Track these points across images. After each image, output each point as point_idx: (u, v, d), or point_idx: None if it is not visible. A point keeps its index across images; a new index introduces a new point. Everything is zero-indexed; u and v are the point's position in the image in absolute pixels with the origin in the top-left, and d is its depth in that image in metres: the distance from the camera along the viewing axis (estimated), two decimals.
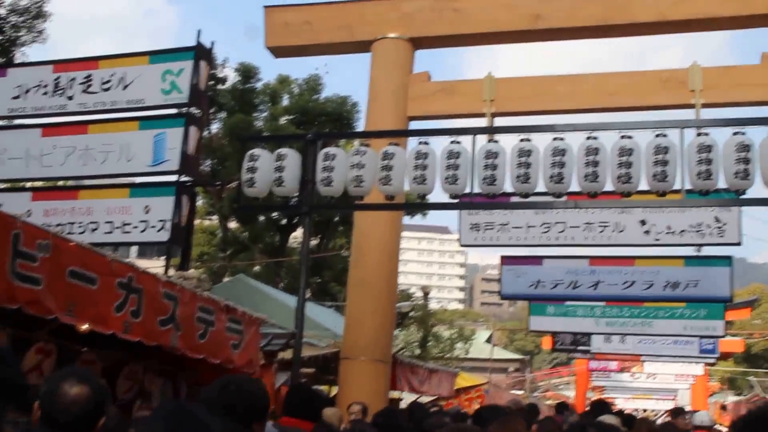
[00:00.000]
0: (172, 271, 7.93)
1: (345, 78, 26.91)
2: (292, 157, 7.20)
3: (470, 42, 10.24)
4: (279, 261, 26.38)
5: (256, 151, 7.20)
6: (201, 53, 8.78)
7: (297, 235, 34.15)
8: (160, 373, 7.03)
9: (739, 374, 56.93)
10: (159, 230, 8.18)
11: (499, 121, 9.19)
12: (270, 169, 7.11)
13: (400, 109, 9.77)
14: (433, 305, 50.21)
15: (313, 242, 33.34)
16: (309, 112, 26.57)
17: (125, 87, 8.80)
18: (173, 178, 8.46)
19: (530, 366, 61.96)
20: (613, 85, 9.12)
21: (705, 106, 8.38)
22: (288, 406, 4.38)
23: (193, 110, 8.70)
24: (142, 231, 8.26)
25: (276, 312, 10.40)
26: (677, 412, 11.40)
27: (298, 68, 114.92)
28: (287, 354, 8.96)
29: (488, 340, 48.20)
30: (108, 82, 8.88)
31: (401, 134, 8.48)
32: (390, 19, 10.02)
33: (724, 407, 27.95)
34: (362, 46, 10.25)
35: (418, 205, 7.83)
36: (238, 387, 2.95)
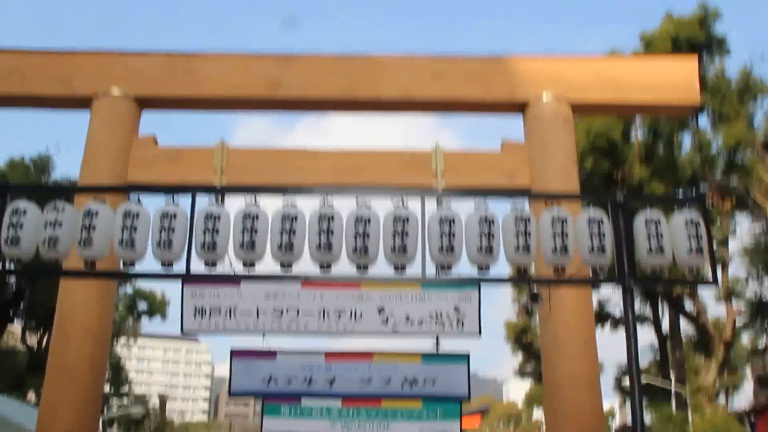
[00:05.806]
0: None
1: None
2: None
3: (203, 106, 9.32)
4: None
5: None
6: None
7: (14, 330, 30.80)
8: None
9: None
10: None
11: None
12: None
13: (118, 174, 8.55)
14: (176, 416, 47.57)
15: (34, 339, 30.18)
16: None
17: None
18: None
19: None
20: (354, 161, 8.61)
21: (446, 188, 8.08)
22: None
23: None
24: None
25: None
26: None
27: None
28: None
29: None
30: None
31: (110, 190, 7.28)
32: (114, 74, 8.91)
33: None
34: (82, 102, 8.98)
35: (122, 274, 6.71)
36: None
